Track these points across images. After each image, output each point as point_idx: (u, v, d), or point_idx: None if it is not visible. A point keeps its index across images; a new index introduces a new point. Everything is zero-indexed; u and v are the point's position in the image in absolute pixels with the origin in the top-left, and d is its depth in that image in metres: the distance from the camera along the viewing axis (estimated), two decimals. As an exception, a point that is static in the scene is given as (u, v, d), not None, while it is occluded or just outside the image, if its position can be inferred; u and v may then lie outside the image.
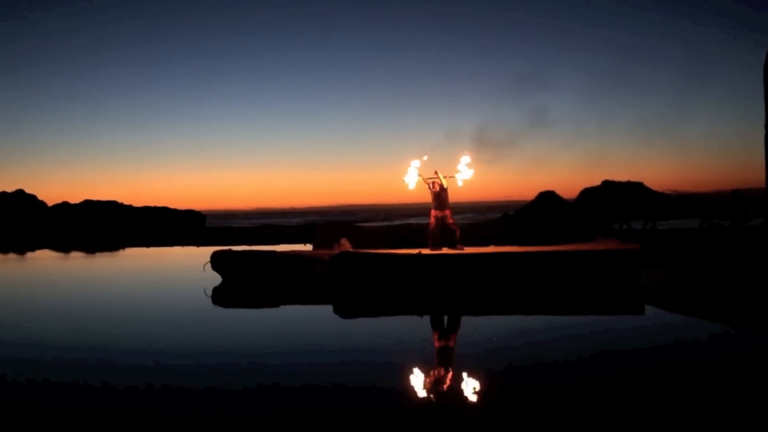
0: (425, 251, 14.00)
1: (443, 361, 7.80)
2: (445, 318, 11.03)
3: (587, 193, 54.34)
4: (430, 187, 14.60)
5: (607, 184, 54.89)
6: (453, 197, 14.84)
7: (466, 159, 14.69)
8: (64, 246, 32.92)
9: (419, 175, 14.75)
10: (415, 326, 10.18)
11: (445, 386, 6.49)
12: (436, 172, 14.53)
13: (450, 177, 14.61)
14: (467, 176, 14.72)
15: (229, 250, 15.49)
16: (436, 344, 8.81)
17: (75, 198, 57.49)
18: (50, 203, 49.34)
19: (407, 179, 14.90)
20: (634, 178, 54.18)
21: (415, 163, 14.81)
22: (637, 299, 11.91)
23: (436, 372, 7.12)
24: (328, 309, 11.86)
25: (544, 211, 37.56)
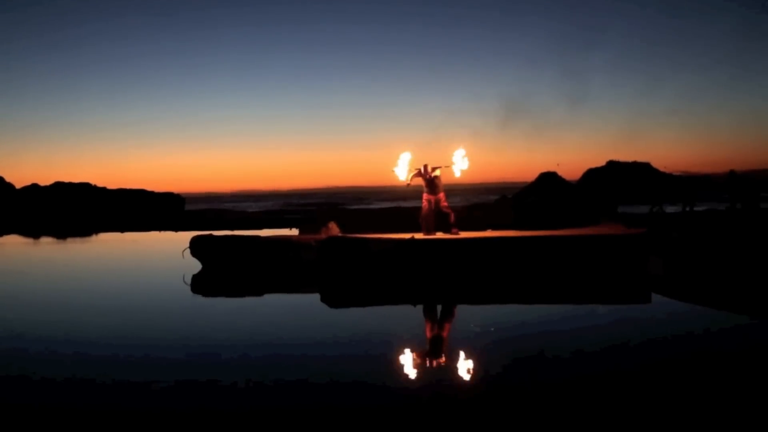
0: (418, 236, 13.98)
1: (437, 354, 7.78)
2: (440, 307, 11.02)
3: (591, 174, 54.48)
4: (422, 174, 14.64)
5: (612, 164, 55.05)
6: (447, 180, 14.99)
7: (461, 151, 14.89)
8: (33, 231, 32.73)
9: (409, 171, 14.85)
10: (408, 316, 10.16)
11: (439, 380, 6.47)
12: (426, 165, 14.66)
13: (446, 166, 14.75)
14: (464, 166, 14.89)
15: (210, 235, 15.43)
16: (430, 336, 8.79)
17: (45, 180, 57.27)
18: (19, 185, 49.12)
19: (397, 171, 14.98)
20: (641, 159, 54.46)
21: (405, 156, 14.93)
22: (643, 287, 11.93)
23: (429, 365, 7.10)
24: (315, 298, 11.82)
25: (545, 194, 37.58)
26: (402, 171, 14.98)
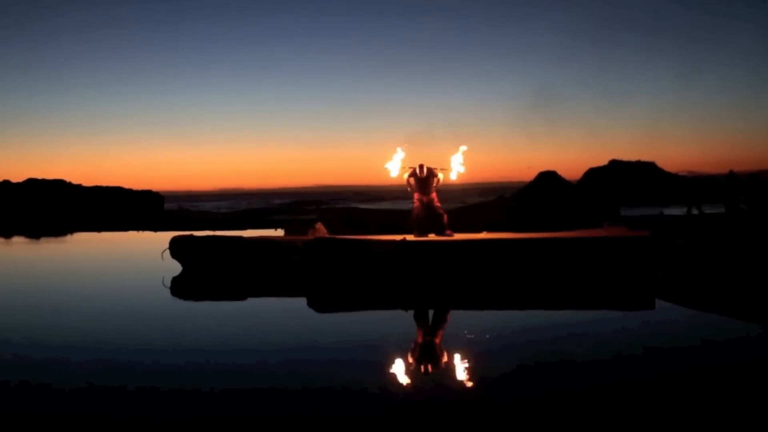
0: (410, 238, 13.97)
1: (428, 361, 7.78)
2: (432, 313, 11.03)
3: (593, 174, 54.66)
4: (416, 174, 14.64)
5: (614, 163, 55.23)
6: (443, 181, 15.07)
7: (458, 154, 14.99)
8: (4, 230, 32.60)
9: (402, 169, 14.91)
10: (398, 322, 10.15)
11: (429, 390, 6.45)
12: (421, 165, 14.70)
13: (442, 169, 14.82)
14: (461, 169, 14.99)
15: (191, 236, 15.38)
16: (422, 342, 8.79)
17: (17, 176, 57.08)
18: (-12, 182, 48.84)
19: (389, 166, 15.02)
20: (645, 158, 54.69)
21: (399, 153, 14.98)
22: (646, 292, 11.95)
23: (420, 374, 7.09)
24: (301, 302, 11.81)
25: (544, 194, 37.62)
26: (394, 167, 15.01)
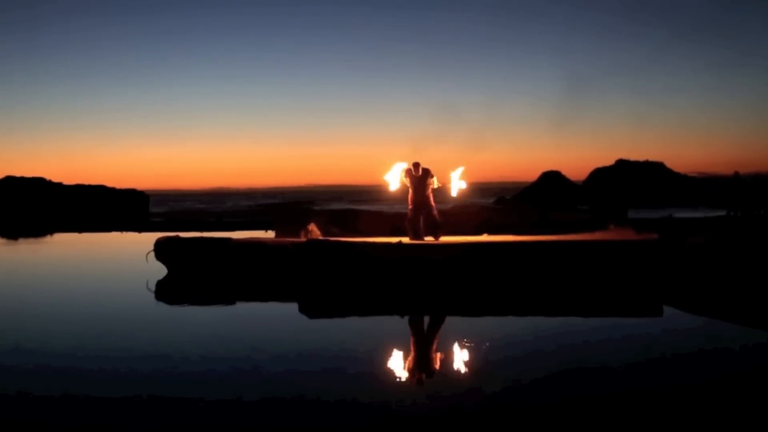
0: (406, 241, 13.97)
1: (425, 370, 7.78)
2: (428, 319, 11.02)
3: (598, 174, 54.82)
4: (412, 174, 14.59)
5: (621, 163, 55.39)
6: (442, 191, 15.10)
7: (458, 171, 15.17)
8: (-20, 230, 32.55)
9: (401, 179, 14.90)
10: (394, 328, 10.16)
11: (425, 400, 6.44)
12: (416, 164, 14.69)
13: (441, 185, 14.86)
14: (462, 186, 15.02)
15: (176, 237, 15.36)
16: (418, 350, 8.78)
17: (-6, 174, 56.84)
18: (-36, 180, 48.68)
19: (389, 178, 14.99)
20: (654, 158, 54.84)
21: (401, 165, 14.95)
22: (654, 298, 11.96)
23: (415, 383, 7.09)
24: (292, 307, 11.81)
25: (547, 195, 37.72)
26: (394, 180, 14.96)
